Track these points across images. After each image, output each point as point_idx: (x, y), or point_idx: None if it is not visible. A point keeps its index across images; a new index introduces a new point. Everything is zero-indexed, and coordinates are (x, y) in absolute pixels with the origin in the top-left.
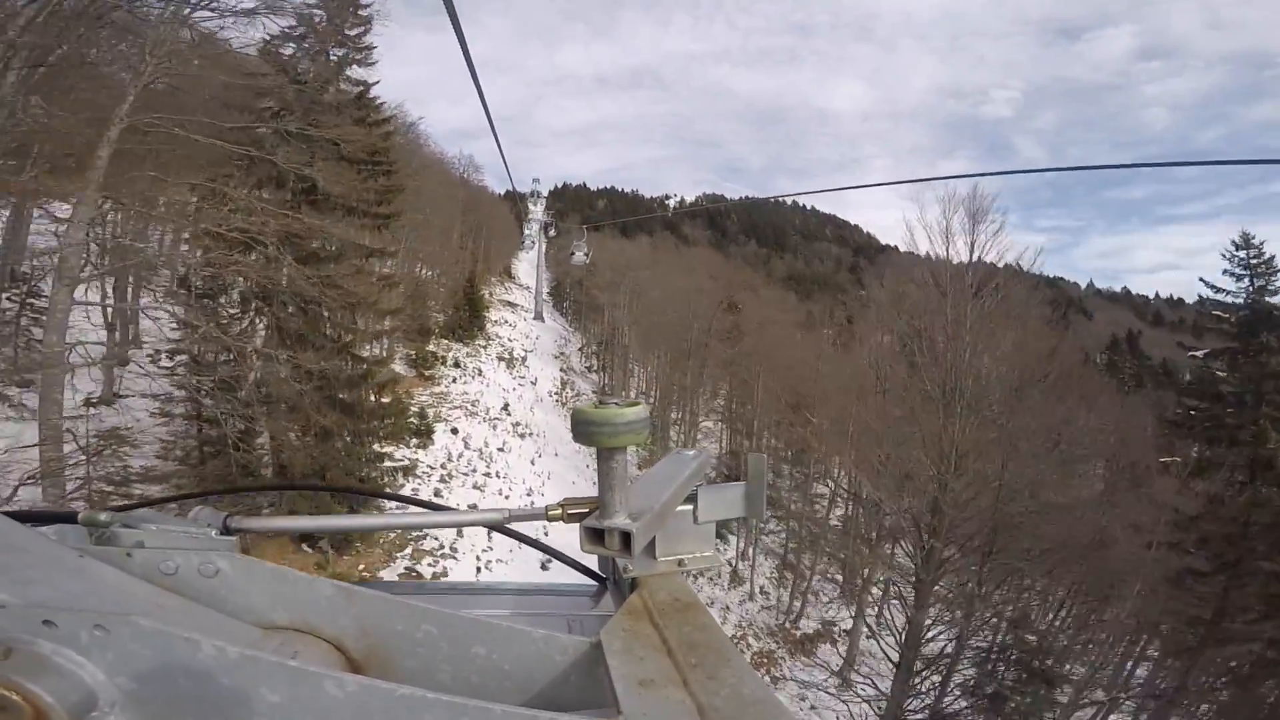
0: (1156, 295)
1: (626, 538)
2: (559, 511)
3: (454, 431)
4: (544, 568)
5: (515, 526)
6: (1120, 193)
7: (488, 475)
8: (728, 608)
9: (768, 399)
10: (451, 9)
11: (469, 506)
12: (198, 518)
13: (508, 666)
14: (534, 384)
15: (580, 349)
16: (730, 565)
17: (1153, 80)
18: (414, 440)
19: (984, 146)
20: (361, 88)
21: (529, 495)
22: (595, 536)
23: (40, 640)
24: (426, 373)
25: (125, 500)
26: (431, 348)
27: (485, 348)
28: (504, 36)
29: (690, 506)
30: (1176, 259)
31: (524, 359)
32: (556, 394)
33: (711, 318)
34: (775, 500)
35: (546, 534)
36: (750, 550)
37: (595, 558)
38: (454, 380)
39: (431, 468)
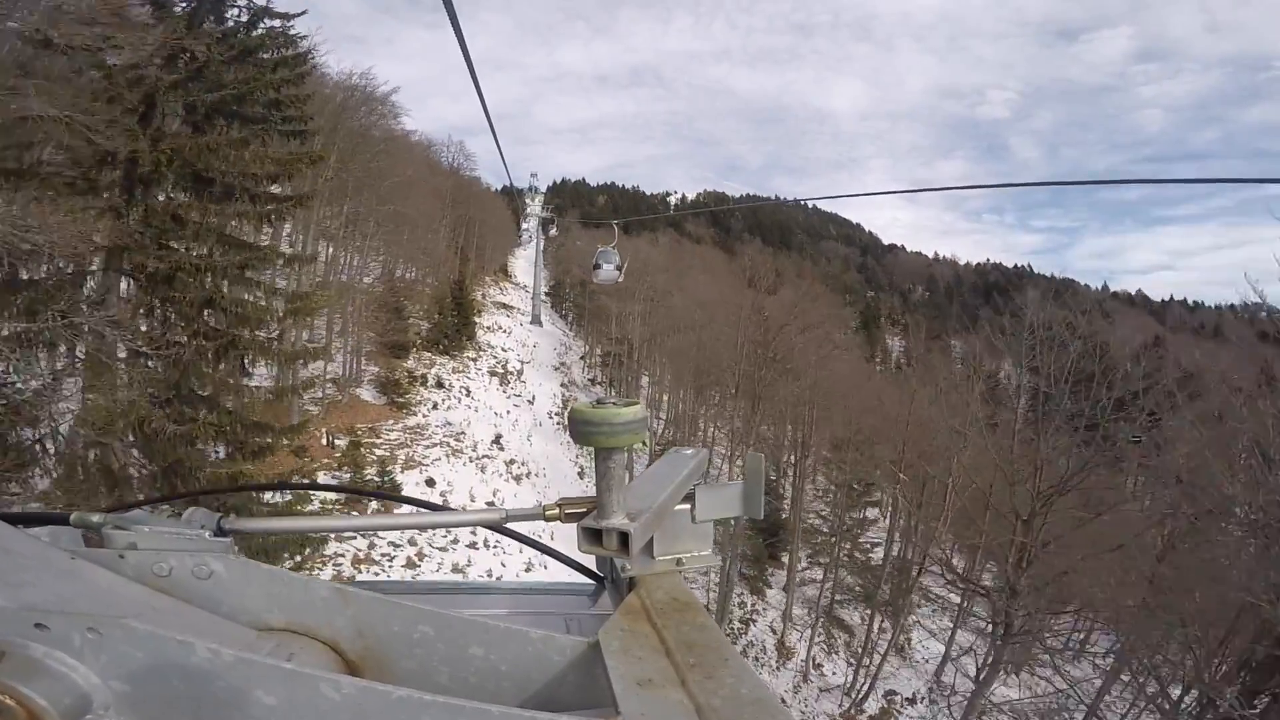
0: (1171, 298)
1: (624, 538)
2: (556, 511)
3: (429, 484)
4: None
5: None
6: (1115, 194)
7: (473, 546)
8: (784, 700)
9: (819, 435)
10: (450, 6)
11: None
12: (191, 519)
13: (505, 667)
14: (531, 403)
15: (583, 357)
16: (775, 634)
17: (1149, 82)
18: (373, 505)
19: (981, 147)
20: (255, 8)
21: (528, 570)
22: (593, 536)
23: (33, 643)
24: (400, 399)
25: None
26: (410, 364)
27: (475, 360)
28: (503, 34)
29: (688, 506)
30: (1170, 260)
31: (519, 372)
32: (558, 415)
33: (771, 342)
34: (822, 547)
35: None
36: (797, 610)
37: (593, 557)
38: (434, 406)
39: (396, 544)
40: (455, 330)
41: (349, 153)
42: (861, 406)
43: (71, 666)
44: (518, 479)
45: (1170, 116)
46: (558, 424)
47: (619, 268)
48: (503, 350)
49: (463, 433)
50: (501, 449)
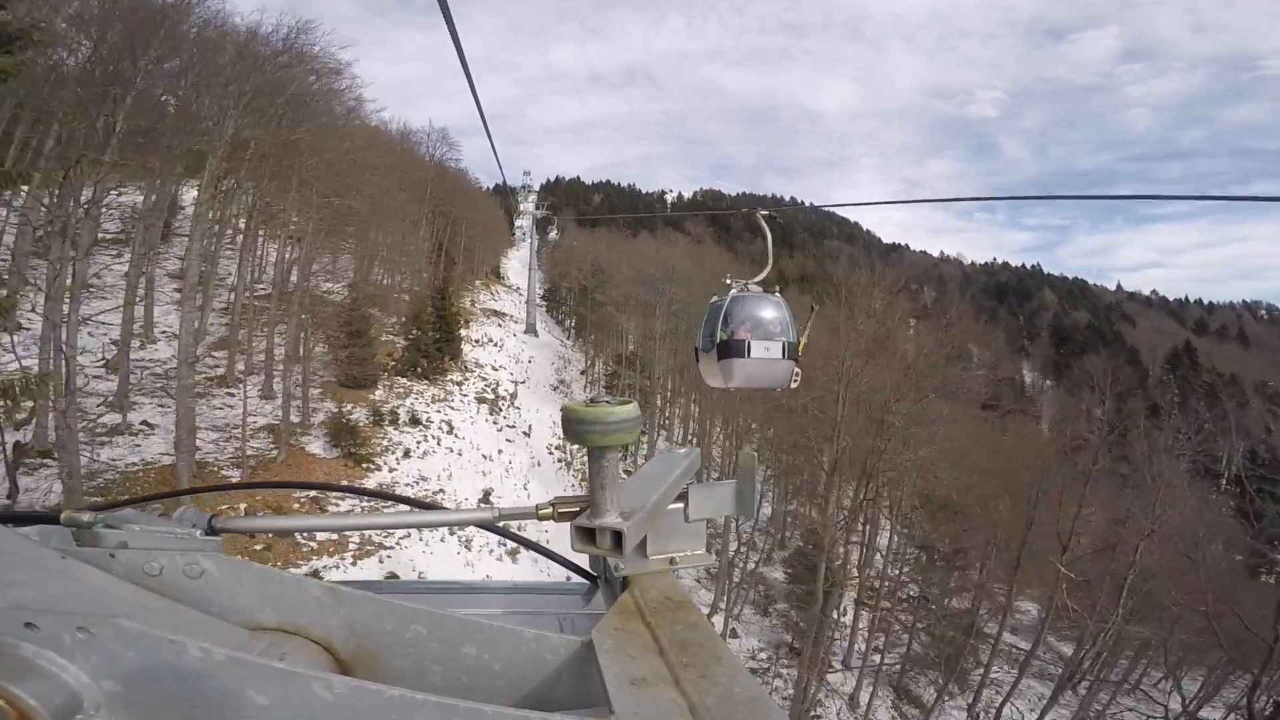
0: (1186, 298)
1: (618, 537)
2: (550, 510)
3: (391, 577)
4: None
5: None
6: (1105, 192)
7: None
8: None
9: (906, 489)
10: (444, 4)
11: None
12: (182, 518)
13: (499, 666)
14: (527, 435)
15: (583, 371)
16: None
17: (1136, 81)
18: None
19: (971, 146)
20: None
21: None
22: (586, 535)
23: (23, 643)
24: (358, 450)
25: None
26: (379, 395)
27: (460, 385)
28: (496, 35)
29: (681, 505)
30: (1160, 257)
31: (513, 396)
32: (559, 449)
33: (892, 404)
34: (893, 618)
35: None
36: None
37: (587, 556)
38: (406, 454)
39: None
40: (436, 348)
41: (258, 121)
42: (984, 467)
43: (62, 666)
44: (513, 554)
45: (1157, 115)
46: (559, 461)
47: (792, 349)
48: (493, 369)
49: (441, 490)
50: (493, 507)
